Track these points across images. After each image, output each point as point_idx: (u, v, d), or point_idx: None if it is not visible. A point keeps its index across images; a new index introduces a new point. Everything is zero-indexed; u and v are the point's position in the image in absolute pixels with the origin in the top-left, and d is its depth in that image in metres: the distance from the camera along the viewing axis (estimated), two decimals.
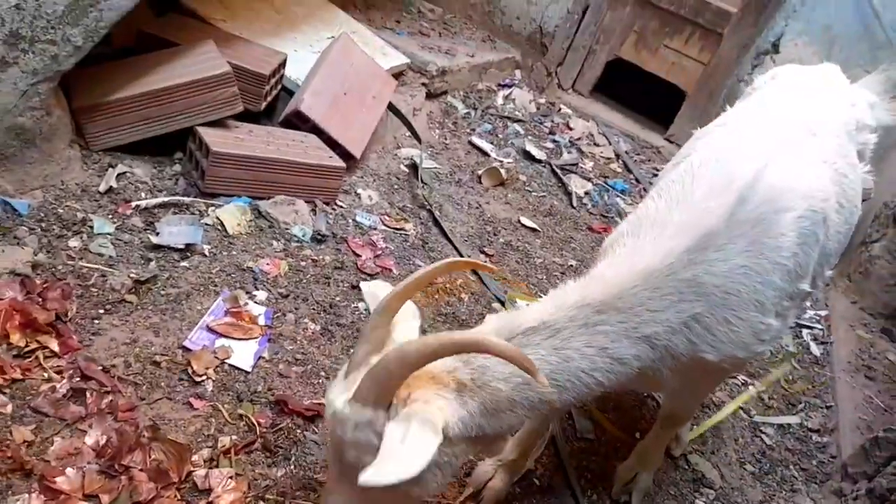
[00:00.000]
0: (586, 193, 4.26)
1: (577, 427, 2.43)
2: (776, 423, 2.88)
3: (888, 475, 2.37)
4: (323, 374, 2.22)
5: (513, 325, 1.47)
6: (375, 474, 1.17)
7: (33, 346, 1.84)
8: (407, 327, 1.49)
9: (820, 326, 3.71)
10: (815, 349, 3.52)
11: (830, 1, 4.49)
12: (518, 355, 1.27)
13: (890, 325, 3.83)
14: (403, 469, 1.18)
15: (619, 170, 4.81)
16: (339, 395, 1.33)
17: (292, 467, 1.87)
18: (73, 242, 2.24)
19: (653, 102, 5.49)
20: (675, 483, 2.39)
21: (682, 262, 1.56)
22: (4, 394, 1.71)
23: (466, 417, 1.36)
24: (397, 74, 4.10)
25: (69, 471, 1.60)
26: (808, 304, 3.85)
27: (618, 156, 4.98)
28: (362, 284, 1.60)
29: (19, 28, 2.13)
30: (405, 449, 1.22)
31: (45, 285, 2.01)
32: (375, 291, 1.54)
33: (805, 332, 3.62)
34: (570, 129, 5.11)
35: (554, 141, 4.80)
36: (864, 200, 4.03)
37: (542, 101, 5.32)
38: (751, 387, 3.03)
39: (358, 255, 2.81)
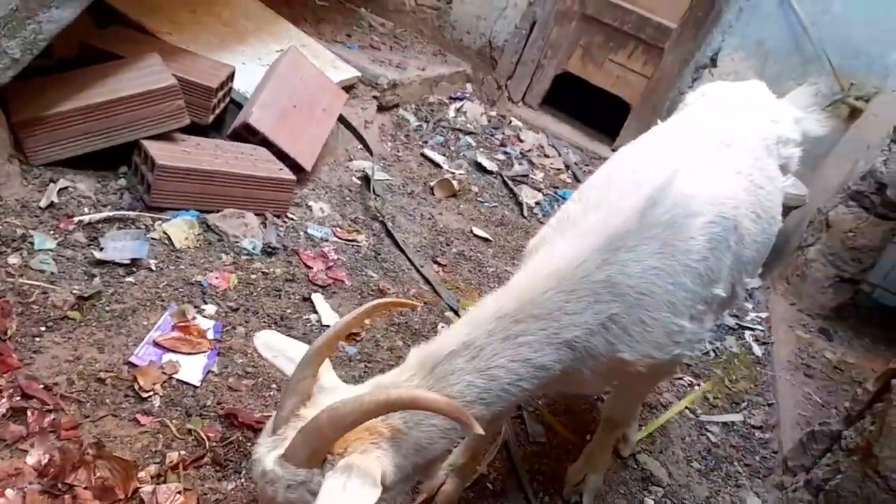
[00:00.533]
0: (537, 203, 4.34)
1: (529, 431, 2.48)
2: (721, 422, 2.98)
3: (824, 466, 2.48)
4: (274, 386, 2.20)
5: (435, 354, 1.46)
6: None
7: None
8: (329, 376, 1.46)
9: (761, 328, 3.86)
10: (757, 349, 3.65)
11: (763, 17, 4.71)
12: (451, 409, 1.26)
13: (827, 325, 4.01)
14: None
15: (569, 180, 4.92)
16: (269, 453, 1.30)
17: (243, 480, 1.86)
18: (13, 259, 2.18)
19: (600, 115, 5.65)
20: (625, 482, 2.45)
21: (595, 264, 1.58)
22: None
23: (401, 461, 1.37)
24: (348, 87, 4.12)
25: (9, 492, 1.56)
26: (749, 306, 4.01)
27: (567, 166, 5.10)
28: (255, 337, 1.54)
29: None
30: (345, 499, 1.20)
31: None
32: (269, 342, 1.51)
33: (747, 333, 3.76)
34: (521, 141, 5.21)
35: (505, 153, 4.89)
36: (797, 207, 4.25)
37: (493, 113, 5.41)
38: (696, 387, 3.13)
39: (309, 267, 2.81)
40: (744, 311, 3.97)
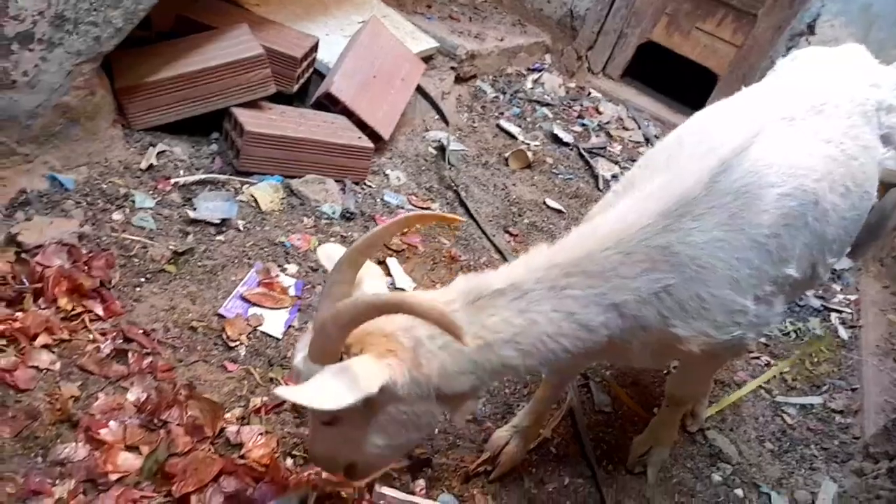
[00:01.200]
0: (613, 176, 4.27)
1: (595, 400, 2.49)
2: (798, 404, 2.88)
3: None
4: None
5: (480, 286, 1.44)
6: (286, 391, 1.25)
7: (79, 309, 1.97)
8: (373, 284, 1.49)
9: (849, 310, 3.68)
10: (843, 332, 3.49)
11: None
12: (438, 315, 1.25)
13: None
14: (313, 400, 1.24)
15: None
16: (300, 351, 1.39)
17: None
18: (116, 216, 2.36)
19: (685, 86, 5.44)
20: (692, 457, 2.42)
21: (656, 228, 1.50)
22: (53, 352, 1.84)
23: (420, 378, 1.36)
24: (427, 58, 4.15)
25: (112, 423, 1.72)
26: (837, 288, 3.82)
27: (647, 140, 4.96)
28: (318, 249, 1.58)
29: (64, 10, 2.24)
30: (328, 387, 1.26)
31: (90, 254, 2.14)
32: (331, 253, 1.54)
33: (833, 315, 3.59)
34: (600, 112, 5.11)
35: (582, 125, 4.81)
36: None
37: (572, 85, 5.32)
38: (773, 367, 3.03)
39: None
40: (831, 293, 3.79)
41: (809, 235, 1.74)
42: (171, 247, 2.33)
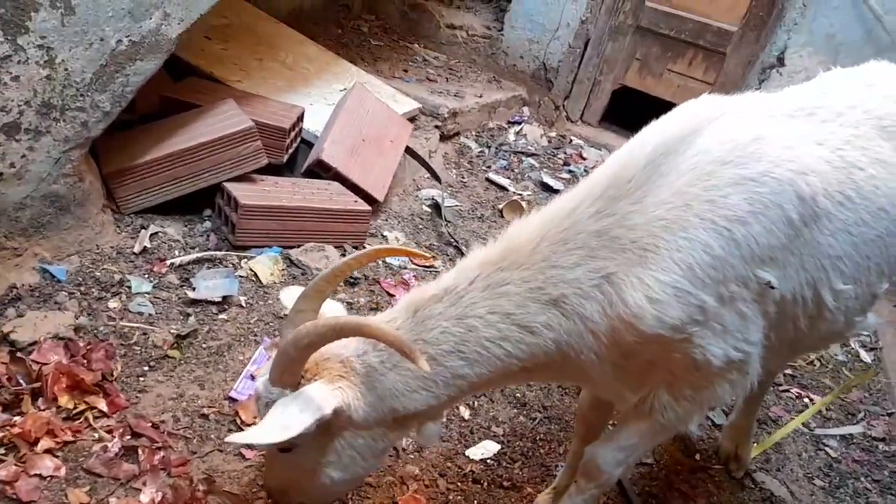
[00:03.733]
0: None
1: None
2: (838, 435, 2.76)
3: None
4: None
5: (419, 299, 1.44)
6: (240, 436, 1.32)
7: (82, 407, 1.82)
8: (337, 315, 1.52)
9: (866, 333, 3.61)
10: (866, 356, 3.41)
11: (830, 10, 4.54)
12: (395, 340, 1.27)
13: None
14: (267, 435, 1.27)
15: None
16: (262, 376, 1.42)
17: None
18: (113, 303, 2.24)
19: None
20: None
21: (588, 213, 1.39)
22: (57, 456, 1.68)
23: (376, 401, 1.39)
24: (410, 119, 4.15)
25: None
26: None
27: None
28: (282, 293, 1.65)
29: (51, 98, 2.18)
30: (280, 418, 1.29)
31: (88, 347, 2.01)
32: (294, 296, 1.52)
33: (852, 339, 3.52)
34: (584, 158, 5.14)
35: (569, 171, 4.82)
36: None
37: (553, 134, 5.37)
38: (810, 401, 2.92)
39: (392, 296, 2.79)
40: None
41: (796, 238, 1.49)
42: (172, 331, 2.20)
